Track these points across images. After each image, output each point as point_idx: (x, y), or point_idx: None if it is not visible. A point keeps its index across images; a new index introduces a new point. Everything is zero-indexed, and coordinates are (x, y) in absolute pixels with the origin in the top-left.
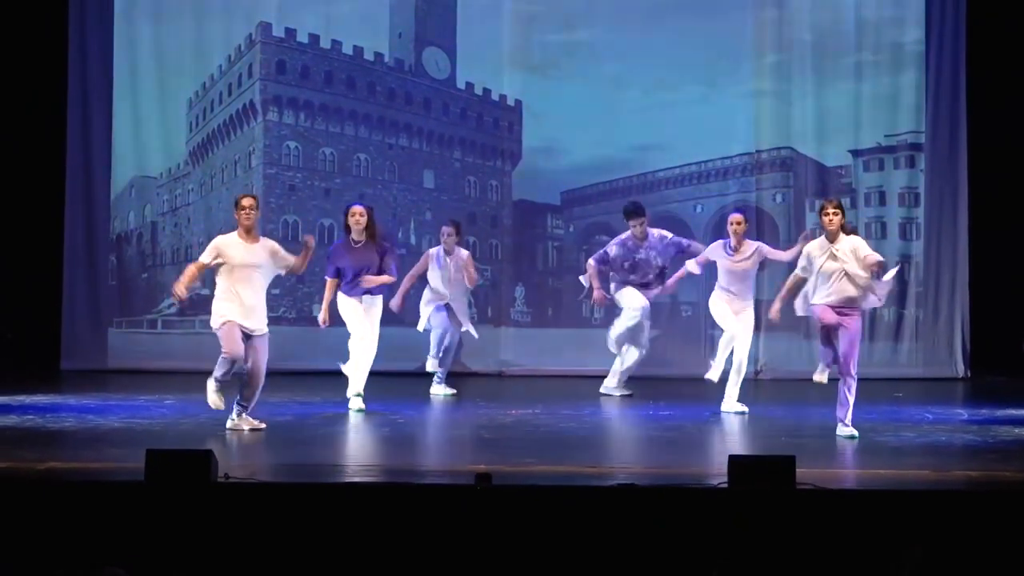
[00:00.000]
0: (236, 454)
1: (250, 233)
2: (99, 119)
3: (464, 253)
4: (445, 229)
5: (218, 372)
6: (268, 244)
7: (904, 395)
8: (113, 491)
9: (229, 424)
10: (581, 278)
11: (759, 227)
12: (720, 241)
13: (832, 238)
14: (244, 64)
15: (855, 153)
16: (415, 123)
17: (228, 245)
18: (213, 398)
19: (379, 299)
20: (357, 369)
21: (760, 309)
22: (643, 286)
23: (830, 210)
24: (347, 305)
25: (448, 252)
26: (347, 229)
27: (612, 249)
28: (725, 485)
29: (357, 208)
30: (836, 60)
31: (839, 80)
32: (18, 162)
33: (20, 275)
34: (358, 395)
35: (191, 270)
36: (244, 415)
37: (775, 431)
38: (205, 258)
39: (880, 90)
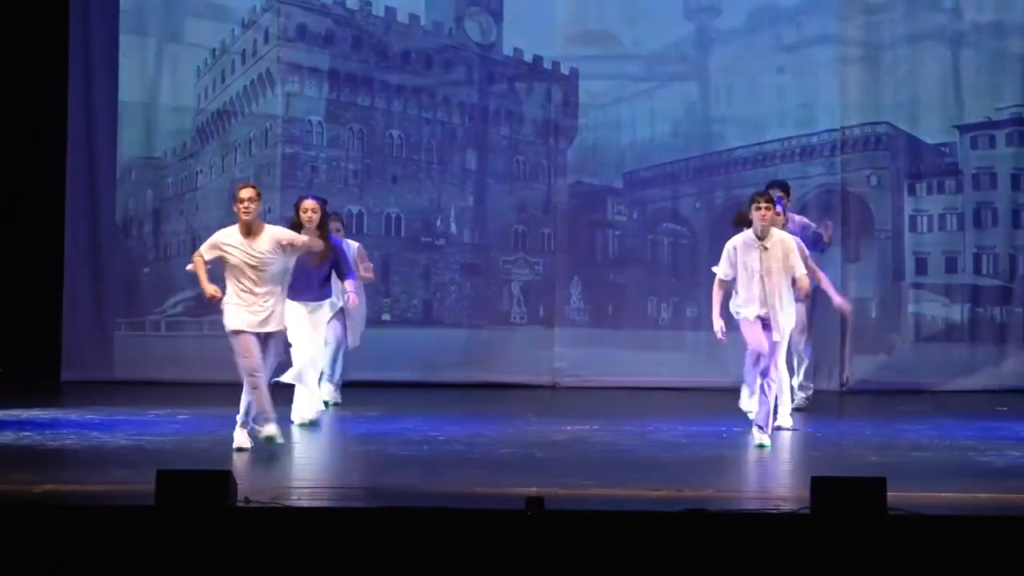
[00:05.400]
0: (257, 475)
1: (251, 228)
2: (103, 93)
3: (355, 245)
4: (332, 225)
5: (244, 402)
6: (273, 235)
7: (1009, 409)
8: (120, 516)
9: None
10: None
11: (845, 213)
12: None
13: (762, 235)
14: (260, 28)
15: (961, 129)
16: (455, 95)
17: (227, 244)
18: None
19: (326, 303)
20: (305, 391)
21: None
22: None
23: (762, 203)
24: (292, 311)
25: None
26: (297, 226)
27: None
28: (807, 511)
29: (310, 203)
30: (932, 21)
31: (937, 45)
32: (17, 155)
33: (16, 278)
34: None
35: (199, 264)
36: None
37: (863, 449)
38: (204, 254)
39: (983, 56)
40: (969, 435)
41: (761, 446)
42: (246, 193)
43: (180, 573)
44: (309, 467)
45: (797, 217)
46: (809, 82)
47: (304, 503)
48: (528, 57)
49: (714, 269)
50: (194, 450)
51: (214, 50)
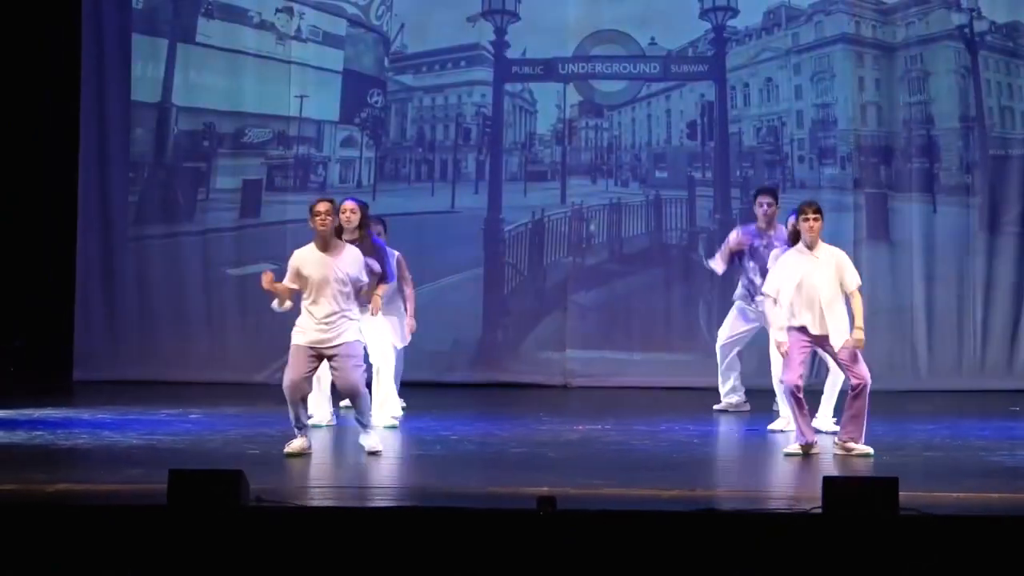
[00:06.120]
0: (269, 475)
1: (328, 243)
2: (115, 94)
3: (396, 254)
4: (375, 228)
5: (290, 412)
6: (353, 255)
7: (1021, 409)
8: (132, 516)
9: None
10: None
11: (860, 213)
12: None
13: (811, 245)
14: (273, 29)
15: (975, 128)
16: (469, 95)
17: (304, 261)
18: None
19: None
20: (381, 392)
21: None
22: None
23: (810, 214)
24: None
25: None
26: (337, 228)
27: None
28: (819, 510)
29: (349, 204)
30: (948, 21)
31: (953, 45)
32: (30, 155)
33: (28, 277)
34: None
35: (281, 290)
36: (366, 433)
37: (875, 449)
38: (289, 283)
39: (999, 57)
40: (981, 435)
41: (789, 455)
42: (323, 207)
43: (192, 573)
44: (321, 467)
45: (781, 226)
46: (826, 82)
47: (316, 503)
48: (542, 57)
49: (764, 289)
50: (206, 450)
51: (226, 50)
